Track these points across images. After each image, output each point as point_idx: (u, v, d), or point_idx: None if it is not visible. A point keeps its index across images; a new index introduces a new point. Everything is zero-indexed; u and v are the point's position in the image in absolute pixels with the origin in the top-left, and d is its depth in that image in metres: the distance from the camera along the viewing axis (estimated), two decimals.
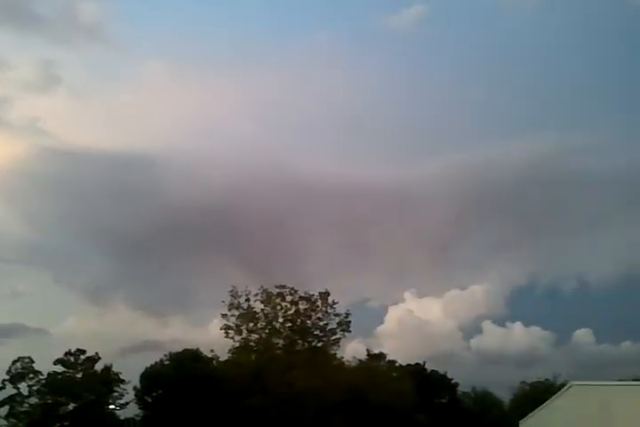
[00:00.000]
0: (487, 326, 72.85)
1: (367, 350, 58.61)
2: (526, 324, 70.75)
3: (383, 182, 77.17)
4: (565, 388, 22.99)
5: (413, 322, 72.03)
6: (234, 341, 46.17)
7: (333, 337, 47.23)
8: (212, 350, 49.12)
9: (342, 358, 50.33)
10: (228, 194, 71.78)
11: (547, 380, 55.73)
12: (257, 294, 46.68)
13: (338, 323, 46.93)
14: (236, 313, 46.27)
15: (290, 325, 46.88)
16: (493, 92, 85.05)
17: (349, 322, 46.86)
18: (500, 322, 72.95)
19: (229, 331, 46.03)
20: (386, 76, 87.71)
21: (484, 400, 60.14)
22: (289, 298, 46.91)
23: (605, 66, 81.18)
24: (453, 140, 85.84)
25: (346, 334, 47.27)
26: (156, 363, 51.61)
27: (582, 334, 68.70)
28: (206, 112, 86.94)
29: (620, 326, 63.67)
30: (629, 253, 72.06)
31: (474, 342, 73.14)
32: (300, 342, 47.25)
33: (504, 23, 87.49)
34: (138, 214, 72.78)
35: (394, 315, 73.14)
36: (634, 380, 42.29)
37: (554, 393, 32.28)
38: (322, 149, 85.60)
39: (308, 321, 47.02)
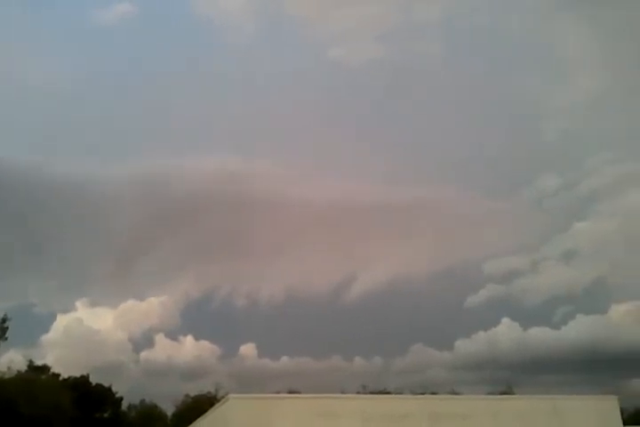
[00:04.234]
0: (160, 338, 71.73)
1: (29, 361, 53.63)
2: (197, 337, 71.47)
3: (75, 179, 71.44)
4: (223, 401, 23.00)
5: (82, 332, 67.43)
6: None
7: None
8: None
9: None
10: None
11: (209, 392, 56.65)
12: None
13: None
14: None
15: None
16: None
17: (6, 328, 42.67)
18: (173, 335, 72.54)
19: None
20: (102, 69, 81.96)
21: (149, 414, 58.98)
22: None
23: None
24: (145, 147, 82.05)
25: (1, 342, 42.88)
26: None
27: (247, 349, 71.40)
28: None
29: (280, 343, 67.87)
30: (296, 276, 77.33)
31: (144, 354, 71.26)
32: None
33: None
34: None
35: (62, 324, 68.01)
36: (289, 392, 45.38)
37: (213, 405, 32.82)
38: (16, 135, 76.43)
39: None
